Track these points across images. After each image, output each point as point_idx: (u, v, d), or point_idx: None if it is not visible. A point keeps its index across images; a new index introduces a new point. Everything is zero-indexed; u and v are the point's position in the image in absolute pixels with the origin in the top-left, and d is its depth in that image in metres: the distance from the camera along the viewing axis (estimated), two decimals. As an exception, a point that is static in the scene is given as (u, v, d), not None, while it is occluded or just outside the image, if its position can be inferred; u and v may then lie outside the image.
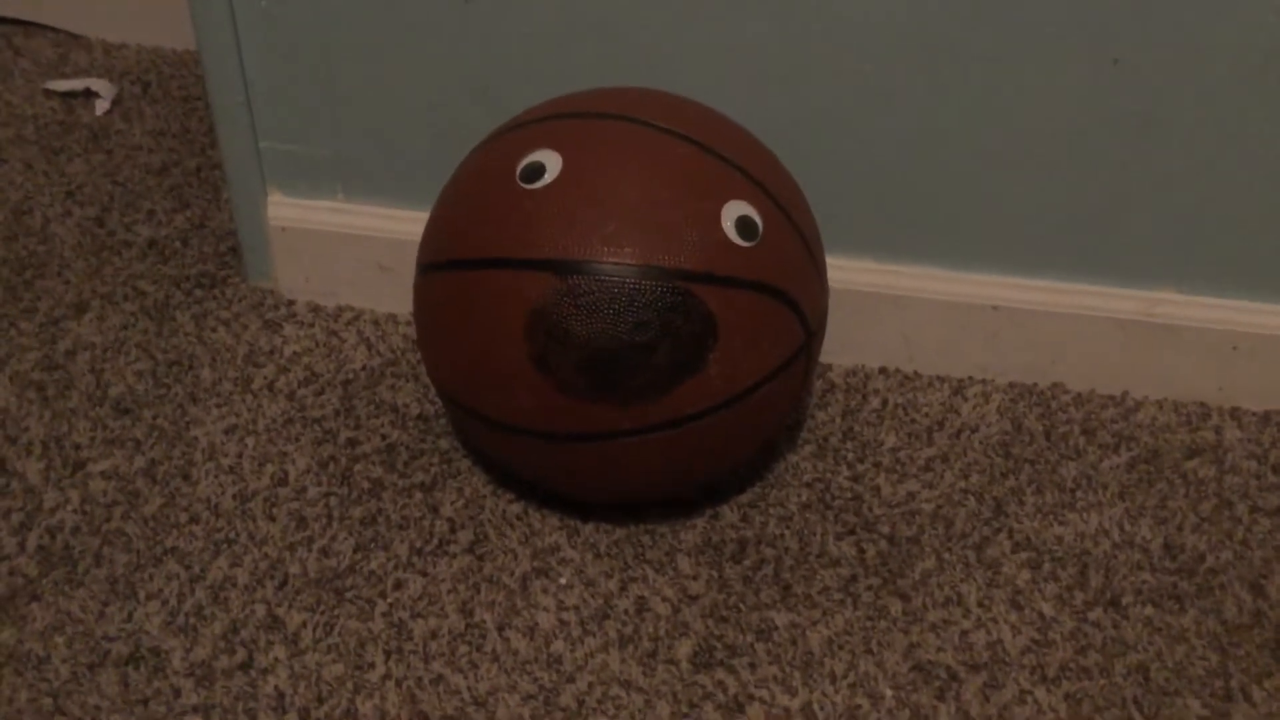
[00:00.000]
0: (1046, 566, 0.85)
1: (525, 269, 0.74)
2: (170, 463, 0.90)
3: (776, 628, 0.81)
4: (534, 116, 0.81)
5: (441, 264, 0.79)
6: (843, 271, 0.95)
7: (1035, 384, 0.99)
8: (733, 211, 0.76)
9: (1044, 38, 0.83)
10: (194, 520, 0.86)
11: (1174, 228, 0.91)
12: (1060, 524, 0.88)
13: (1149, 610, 0.83)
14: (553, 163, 0.76)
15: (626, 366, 0.73)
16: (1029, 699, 0.78)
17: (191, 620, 0.80)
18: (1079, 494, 0.91)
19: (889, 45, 0.85)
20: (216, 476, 0.89)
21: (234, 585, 0.82)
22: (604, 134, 0.77)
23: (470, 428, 0.84)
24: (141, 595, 0.81)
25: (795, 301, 0.78)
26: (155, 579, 0.82)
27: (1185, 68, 0.83)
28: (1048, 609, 0.83)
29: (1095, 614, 0.83)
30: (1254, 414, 0.97)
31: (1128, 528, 0.88)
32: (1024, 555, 0.86)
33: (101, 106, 1.25)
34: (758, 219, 0.76)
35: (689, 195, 0.75)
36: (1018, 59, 0.84)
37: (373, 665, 0.78)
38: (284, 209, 1.01)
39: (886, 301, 0.96)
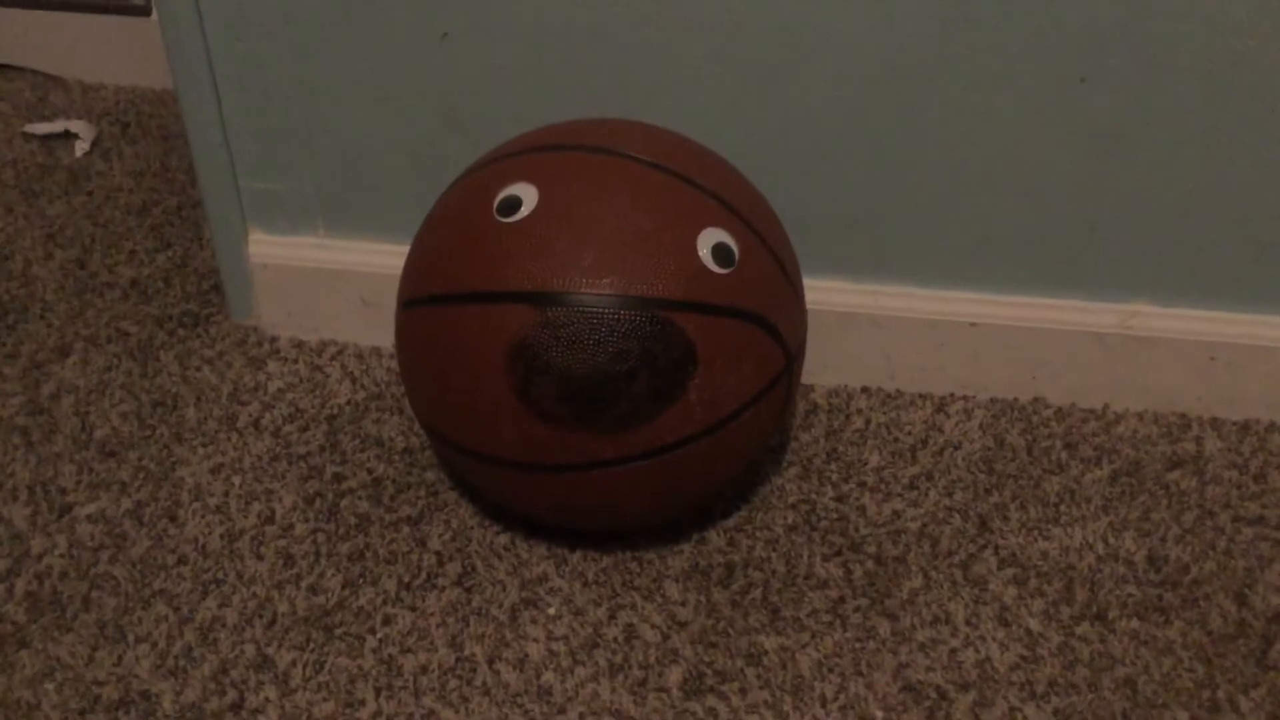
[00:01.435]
0: (1032, 582, 0.86)
1: (504, 302, 0.75)
2: (157, 504, 0.90)
3: (766, 652, 0.81)
4: (509, 150, 0.81)
5: (421, 299, 0.79)
6: (822, 292, 0.96)
7: (1016, 399, 1.00)
8: (709, 239, 0.76)
9: (1013, 59, 0.84)
10: (182, 561, 0.86)
11: (1148, 241, 0.92)
12: (1045, 539, 0.89)
13: (1135, 623, 0.83)
14: (529, 196, 0.76)
15: (608, 396, 0.74)
16: (1018, 716, 0.78)
17: (181, 662, 0.80)
18: (1063, 508, 0.91)
19: (863, 68, 0.86)
20: (203, 516, 0.89)
21: (223, 626, 0.82)
22: (579, 166, 0.78)
23: (455, 461, 0.84)
24: (131, 638, 0.81)
25: (774, 326, 0.79)
26: (144, 622, 0.82)
27: (1151, 83, 0.84)
28: (1035, 625, 0.83)
29: (1082, 628, 0.83)
30: (1233, 423, 0.98)
31: (1112, 541, 0.89)
32: (1010, 571, 0.87)
33: (81, 148, 1.26)
34: (734, 245, 0.77)
35: (665, 224, 0.76)
36: (988, 80, 0.85)
37: (363, 703, 0.78)
38: (265, 246, 1.01)
39: (867, 321, 0.97)
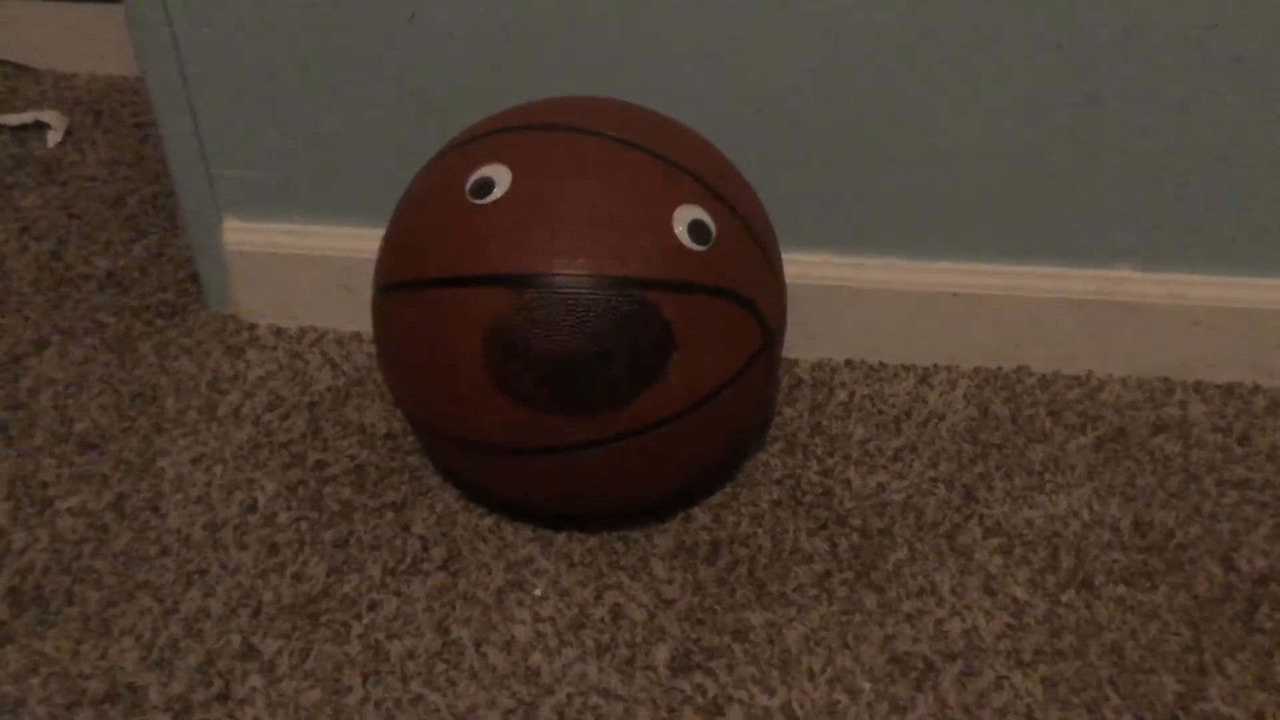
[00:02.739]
0: (1018, 551, 0.86)
1: (479, 286, 0.74)
2: (138, 496, 0.89)
3: (753, 627, 0.81)
4: (481, 131, 0.80)
5: (396, 285, 0.79)
6: (803, 266, 0.95)
7: (1000, 368, 1.00)
8: (684, 216, 0.76)
9: (988, 27, 0.83)
10: (165, 553, 0.85)
11: (1128, 206, 0.92)
12: (1030, 507, 0.89)
13: (1121, 589, 0.83)
14: (502, 177, 0.76)
15: (586, 378, 0.73)
16: (1005, 684, 0.78)
17: (167, 654, 0.79)
18: (1047, 476, 0.91)
19: (839, 40, 0.85)
20: (185, 507, 0.88)
21: (208, 616, 0.81)
22: (551, 145, 0.77)
23: (436, 446, 0.83)
24: (115, 632, 0.81)
25: (752, 302, 0.78)
26: (128, 615, 0.82)
27: (1127, 48, 0.84)
28: (1021, 593, 0.83)
29: (1068, 596, 0.83)
30: (1217, 387, 0.98)
31: (1097, 507, 0.89)
32: (995, 541, 0.87)
33: (53, 138, 1.24)
34: (710, 222, 0.76)
35: (639, 202, 0.75)
36: (965, 49, 0.85)
37: (350, 689, 0.78)
38: (240, 234, 1.00)
39: (848, 294, 0.97)
